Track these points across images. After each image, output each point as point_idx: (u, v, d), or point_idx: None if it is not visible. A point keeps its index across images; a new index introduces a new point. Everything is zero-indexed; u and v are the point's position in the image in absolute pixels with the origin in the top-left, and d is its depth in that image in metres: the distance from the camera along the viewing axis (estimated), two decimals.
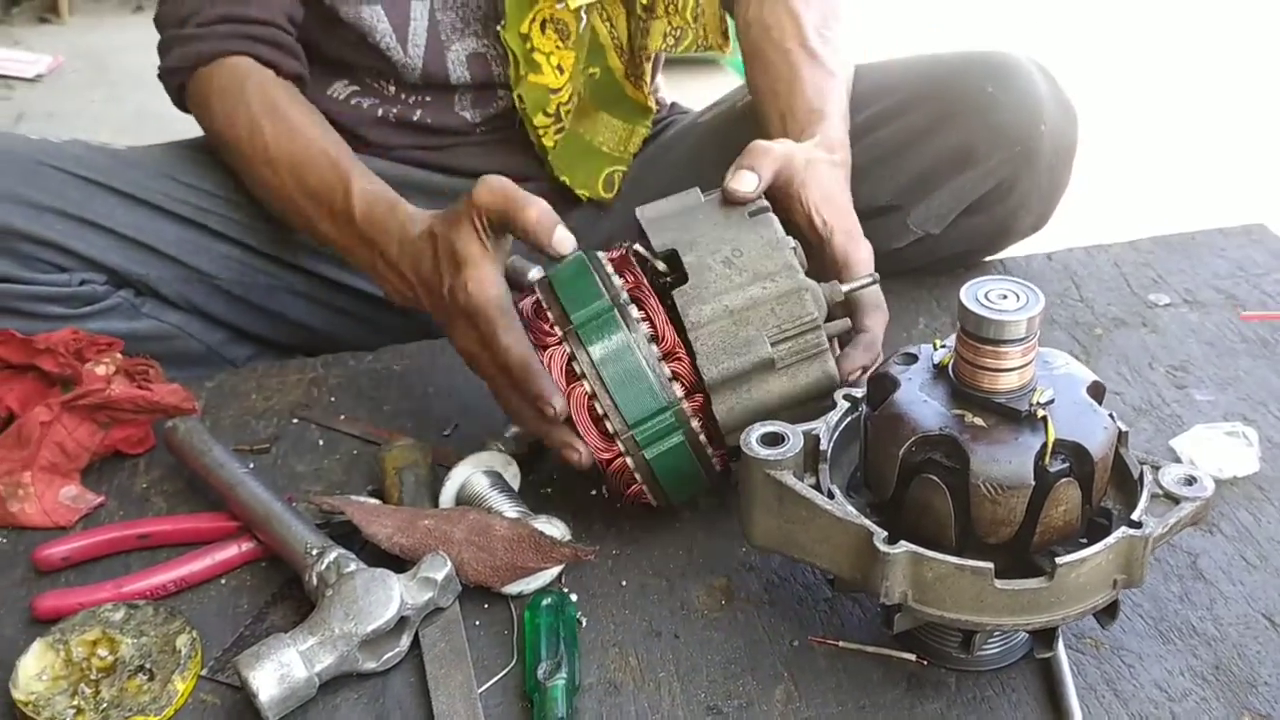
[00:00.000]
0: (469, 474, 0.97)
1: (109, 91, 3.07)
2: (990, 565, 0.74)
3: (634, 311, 0.89)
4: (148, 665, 0.85)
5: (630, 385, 0.88)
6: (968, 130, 1.18)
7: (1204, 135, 3.02)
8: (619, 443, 0.89)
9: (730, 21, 1.30)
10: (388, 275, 1.02)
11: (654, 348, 0.88)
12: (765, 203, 0.93)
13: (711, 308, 0.88)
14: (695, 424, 0.89)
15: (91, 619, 0.87)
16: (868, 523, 0.76)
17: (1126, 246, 1.37)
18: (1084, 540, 0.79)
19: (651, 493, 0.92)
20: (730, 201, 0.93)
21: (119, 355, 1.09)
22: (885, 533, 0.76)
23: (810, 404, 0.89)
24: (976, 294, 0.76)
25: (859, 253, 0.97)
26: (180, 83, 1.18)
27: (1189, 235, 1.38)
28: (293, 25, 1.18)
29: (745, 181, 0.93)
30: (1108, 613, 0.80)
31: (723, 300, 0.88)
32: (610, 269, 0.91)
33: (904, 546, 0.75)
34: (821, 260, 0.97)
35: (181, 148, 1.28)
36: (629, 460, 0.90)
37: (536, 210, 0.90)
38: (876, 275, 0.96)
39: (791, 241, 0.92)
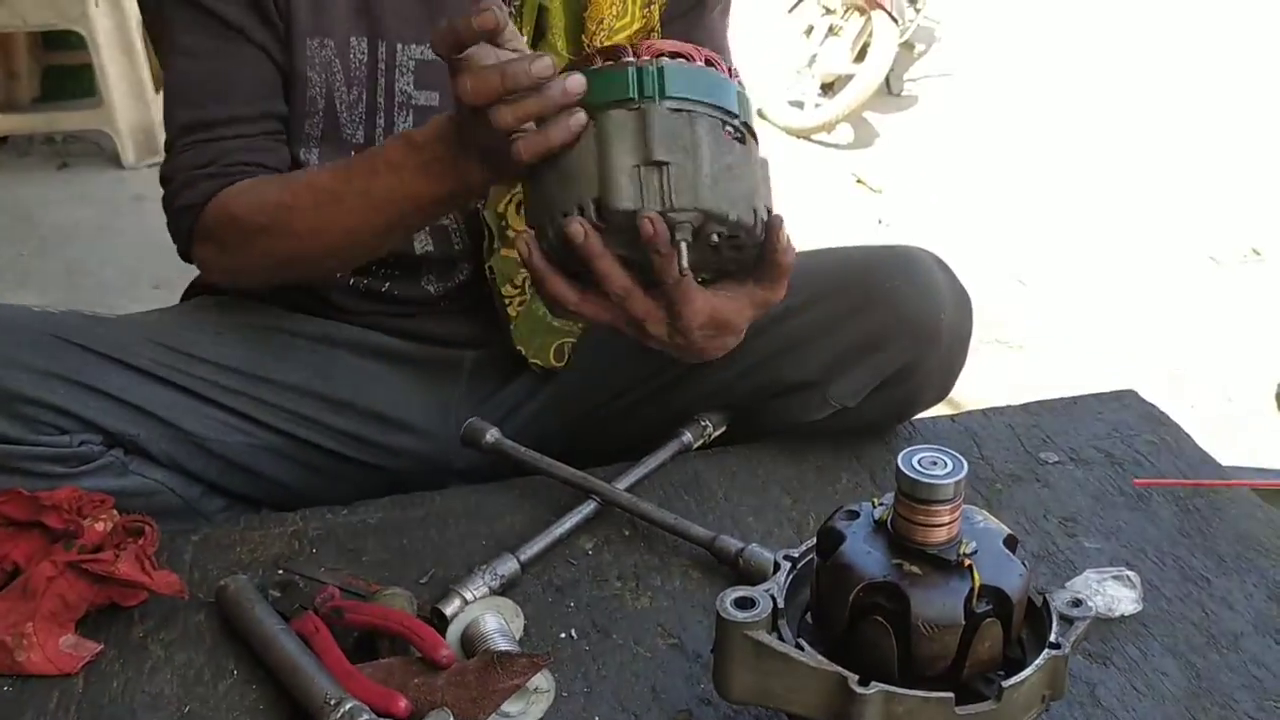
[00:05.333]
0: (479, 614, 1.07)
1: (37, 246, 3.12)
2: (951, 695, 0.86)
3: None
4: None
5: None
6: (878, 318, 1.33)
7: (1082, 305, 3.38)
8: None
9: None
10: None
11: None
12: None
13: None
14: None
15: None
16: (840, 668, 0.88)
17: (1019, 410, 1.54)
18: (1001, 672, 0.92)
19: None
20: None
21: (115, 512, 1.18)
22: (857, 676, 0.87)
23: None
24: (911, 461, 0.90)
25: None
26: (193, 221, 1.27)
27: (1070, 400, 1.57)
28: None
29: None
30: None
31: None
32: None
33: (877, 687, 0.86)
34: None
35: (169, 314, 1.39)
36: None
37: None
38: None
39: None
